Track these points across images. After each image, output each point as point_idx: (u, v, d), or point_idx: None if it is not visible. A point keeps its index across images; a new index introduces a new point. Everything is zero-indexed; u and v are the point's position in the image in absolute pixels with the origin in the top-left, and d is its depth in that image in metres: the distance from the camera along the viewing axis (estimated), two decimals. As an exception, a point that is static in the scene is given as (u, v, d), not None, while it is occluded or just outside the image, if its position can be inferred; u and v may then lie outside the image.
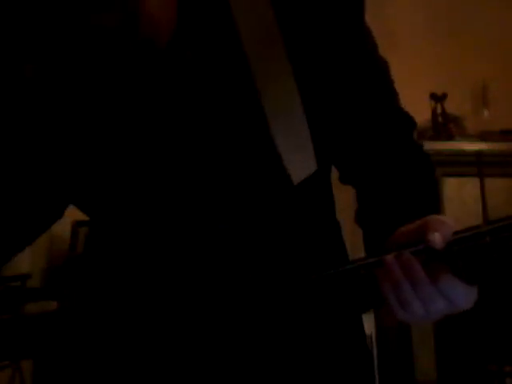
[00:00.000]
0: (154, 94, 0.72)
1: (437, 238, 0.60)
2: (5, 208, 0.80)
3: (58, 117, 0.74)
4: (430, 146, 3.05)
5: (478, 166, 3.05)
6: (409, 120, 0.83)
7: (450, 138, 3.41)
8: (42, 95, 0.74)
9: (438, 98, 3.50)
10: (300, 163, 0.73)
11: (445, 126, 3.45)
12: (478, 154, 3.07)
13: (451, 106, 3.49)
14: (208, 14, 0.73)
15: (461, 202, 3.21)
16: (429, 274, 0.61)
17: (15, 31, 0.75)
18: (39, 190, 0.80)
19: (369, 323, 2.96)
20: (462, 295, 0.61)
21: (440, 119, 3.49)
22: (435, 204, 0.76)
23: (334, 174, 0.87)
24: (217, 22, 0.73)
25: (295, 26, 0.74)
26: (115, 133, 0.72)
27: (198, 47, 0.72)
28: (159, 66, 0.72)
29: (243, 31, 0.72)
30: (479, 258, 0.59)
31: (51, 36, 0.74)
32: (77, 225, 2.88)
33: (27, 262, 2.55)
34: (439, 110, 3.50)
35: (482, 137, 3.44)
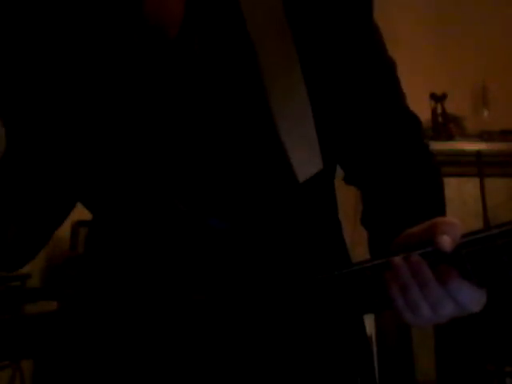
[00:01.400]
0: (159, 86, 0.72)
1: (446, 241, 0.59)
2: (15, 213, 0.80)
3: (62, 112, 0.74)
4: (430, 146, 3.03)
5: (478, 166, 3.05)
6: (415, 120, 0.83)
7: (450, 138, 3.41)
8: (45, 90, 0.74)
9: (437, 98, 3.50)
10: (306, 161, 0.72)
11: (445, 126, 3.45)
12: (478, 154, 3.07)
13: (451, 106, 3.49)
14: (216, 7, 0.73)
15: (461, 202, 3.20)
16: (437, 276, 0.60)
17: (17, 23, 0.75)
18: (45, 191, 0.80)
19: (369, 324, 2.96)
20: (471, 298, 0.60)
21: (440, 119, 3.49)
22: (441, 205, 0.75)
23: (338, 174, 0.87)
24: (225, 15, 0.73)
25: (304, 22, 0.73)
26: (119, 125, 0.72)
27: (205, 40, 0.72)
28: (166, 57, 0.72)
29: (251, 25, 0.72)
30: (489, 261, 0.57)
31: (55, 29, 0.74)
32: (77, 225, 2.88)
33: (27, 262, 2.55)
34: (439, 110, 3.50)
35: (482, 137, 3.44)
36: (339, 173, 0.85)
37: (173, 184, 0.71)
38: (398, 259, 0.61)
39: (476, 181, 3.04)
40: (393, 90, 0.81)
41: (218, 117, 0.71)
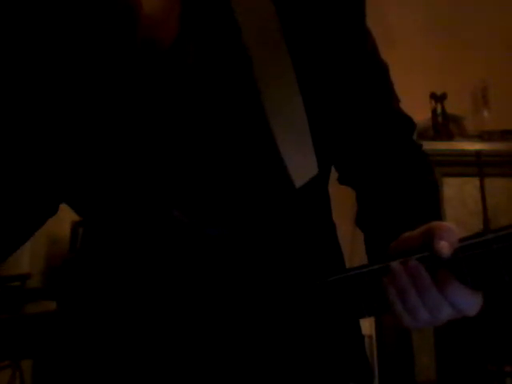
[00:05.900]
0: (155, 95, 0.72)
1: (444, 247, 0.60)
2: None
3: (57, 117, 0.74)
4: (430, 145, 3.04)
5: (478, 166, 3.04)
6: (408, 122, 0.84)
7: (450, 137, 3.40)
8: (40, 95, 0.74)
9: (438, 98, 3.50)
10: (302, 166, 0.72)
11: (445, 126, 3.45)
12: (478, 154, 3.07)
13: (451, 106, 3.48)
14: (211, 17, 0.73)
15: (461, 202, 3.20)
16: (435, 281, 0.60)
17: (15, 33, 0.75)
18: (34, 187, 0.80)
19: (369, 324, 2.96)
20: (468, 302, 0.61)
21: (440, 119, 3.48)
22: (436, 206, 0.76)
23: (335, 176, 0.87)
24: (219, 24, 0.73)
25: (297, 29, 0.74)
26: (114, 134, 0.72)
27: (200, 49, 0.72)
28: (161, 67, 0.72)
29: (246, 33, 0.72)
30: (485, 265, 0.58)
31: (51, 38, 0.74)
32: (77, 225, 2.88)
33: (27, 262, 2.55)
34: (439, 110, 3.50)
35: (482, 137, 3.44)
36: (336, 176, 0.85)
37: (168, 192, 0.71)
38: (395, 264, 0.62)
39: (476, 181, 3.04)
40: (386, 92, 0.83)
41: (214, 125, 0.71)
